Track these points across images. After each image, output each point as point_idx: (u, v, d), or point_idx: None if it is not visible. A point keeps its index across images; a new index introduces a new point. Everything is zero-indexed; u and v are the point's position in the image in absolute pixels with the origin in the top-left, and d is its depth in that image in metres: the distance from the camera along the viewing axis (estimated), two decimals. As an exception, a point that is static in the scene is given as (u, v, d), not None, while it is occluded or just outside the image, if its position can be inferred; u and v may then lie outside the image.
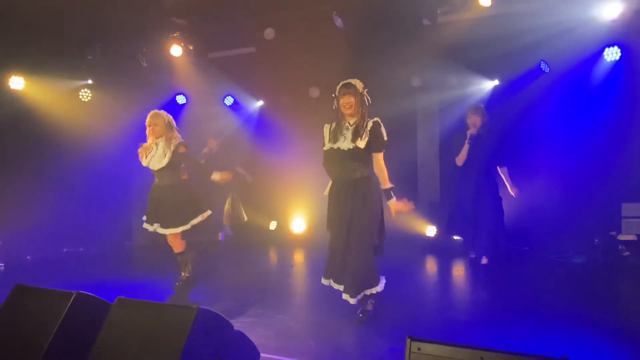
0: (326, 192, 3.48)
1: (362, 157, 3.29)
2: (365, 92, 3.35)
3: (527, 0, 5.12)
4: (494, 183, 4.75)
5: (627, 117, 5.34)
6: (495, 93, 6.26)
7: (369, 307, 3.34)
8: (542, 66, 5.63)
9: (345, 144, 3.27)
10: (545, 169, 5.76)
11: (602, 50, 5.46)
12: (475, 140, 4.58)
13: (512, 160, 5.86)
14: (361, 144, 3.24)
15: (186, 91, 7.57)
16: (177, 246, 4.13)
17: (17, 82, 6.42)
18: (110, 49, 6.60)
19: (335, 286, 3.31)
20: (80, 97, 7.12)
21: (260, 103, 7.73)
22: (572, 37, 5.18)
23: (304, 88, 6.82)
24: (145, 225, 4.05)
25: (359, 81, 3.36)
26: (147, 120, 3.97)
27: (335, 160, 3.32)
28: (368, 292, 3.29)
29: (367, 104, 3.35)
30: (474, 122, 4.60)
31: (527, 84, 5.83)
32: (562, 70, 5.57)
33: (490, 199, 4.66)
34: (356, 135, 3.25)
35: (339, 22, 5.53)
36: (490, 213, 4.63)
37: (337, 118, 3.35)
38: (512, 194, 4.84)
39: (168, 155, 3.90)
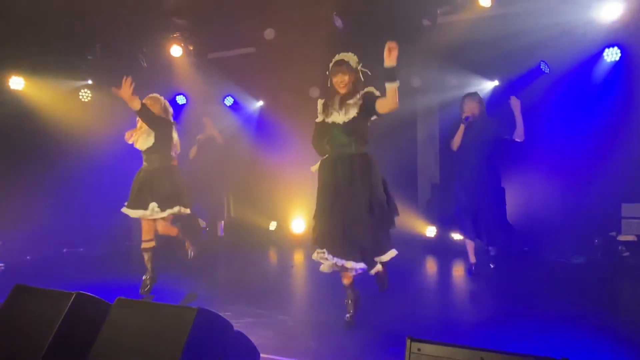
0: (315, 167, 3.29)
1: (358, 130, 3.15)
2: (359, 68, 3.24)
3: (527, 1, 5.13)
4: (496, 172, 4.57)
5: (627, 118, 5.34)
6: (495, 93, 6.26)
7: (351, 309, 3.27)
8: (542, 67, 5.63)
9: (339, 117, 3.16)
10: (545, 169, 5.76)
11: (602, 51, 5.46)
12: (472, 125, 4.41)
13: (511, 162, 5.87)
14: (354, 111, 3.12)
15: (186, 91, 7.57)
16: (172, 230, 4.12)
17: (17, 82, 6.42)
18: (110, 49, 6.60)
19: (350, 264, 3.06)
20: (80, 97, 7.11)
21: (261, 103, 7.73)
22: (572, 38, 5.19)
23: (304, 88, 6.82)
24: (127, 210, 3.90)
25: (352, 55, 3.25)
26: (144, 100, 3.95)
27: (329, 134, 3.19)
28: (378, 259, 3.20)
29: (362, 80, 3.24)
30: (471, 108, 4.46)
31: (527, 84, 5.83)
32: (562, 71, 5.57)
33: (492, 188, 4.50)
34: (350, 107, 3.15)
35: (339, 22, 5.53)
36: (492, 203, 4.48)
37: (332, 94, 3.25)
38: (518, 137, 4.52)
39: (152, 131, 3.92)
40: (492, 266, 4.70)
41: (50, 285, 2.22)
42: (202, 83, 7.02)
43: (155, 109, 3.98)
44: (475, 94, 4.67)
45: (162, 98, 4.10)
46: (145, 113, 3.82)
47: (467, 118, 4.43)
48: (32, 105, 6.53)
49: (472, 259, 4.64)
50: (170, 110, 4.14)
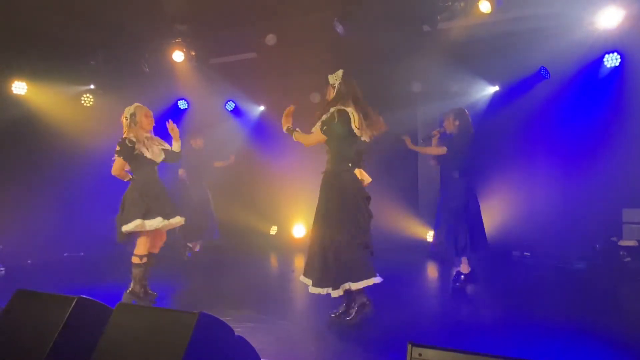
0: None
1: None
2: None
3: (527, 7, 5.15)
4: (472, 187, 4.61)
5: (627, 123, 5.35)
6: (496, 98, 6.28)
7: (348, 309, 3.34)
8: (542, 72, 5.66)
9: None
10: (546, 174, 5.77)
11: (602, 56, 5.49)
12: (452, 140, 4.51)
13: (513, 166, 5.87)
14: None
15: (188, 96, 7.60)
16: (160, 244, 4.08)
17: (19, 87, 6.46)
18: (113, 54, 6.63)
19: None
20: (83, 102, 7.15)
21: (262, 108, 7.76)
22: (572, 44, 5.21)
23: (305, 93, 6.85)
24: (150, 223, 3.81)
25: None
26: (148, 112, 3.98)
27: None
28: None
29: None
30: (447, 124, 4.57)
31: (527, 89, 5.85)
32: (562, 76, 5.59)
33: (470, 204, 4.53)
34: None
35: (339, 28, 5.56)
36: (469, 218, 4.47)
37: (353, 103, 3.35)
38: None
39: (165, 147, 4.05)
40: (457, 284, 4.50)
41: (52, 290, 2.22)
42: (203, 88, 7.05)
43: (149, 122, 4.00)
44: (450, 111, 4.64)
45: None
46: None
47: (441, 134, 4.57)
48: (35, 110, 6.55)
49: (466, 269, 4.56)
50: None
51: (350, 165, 3.36)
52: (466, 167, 4.51)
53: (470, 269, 4.49)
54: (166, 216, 3.90)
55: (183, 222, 4.09)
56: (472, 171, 4.57)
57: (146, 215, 3.81)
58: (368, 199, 3.40)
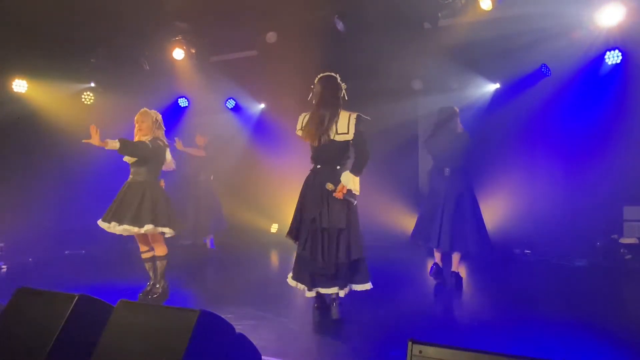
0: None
1: None
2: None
3: (527, 4, 5.14)
4: (468, 182, 4.48)
5: (628, 120, 5.34)
6: (497, 96, 6.27)
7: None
8: (543, 70, 5.65)
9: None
10: (547, 172, 5.77)
11: (604, 53, 5.47)
12: (442, 137, 4.50)
13: (514, 163, 5.86)
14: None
15: (188, 94, 7.60)
16: (159, 246, 3.97)
17: (20, 85, 6.46)
18: (113, 52, 6.63)
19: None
20: (83, 100, 7.15)
21: (262, 106, 7.76)
22: (573, 41, 5.20)
23: (305, 91, 6.83)
24: (127, 227, 3.70)
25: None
26: (135, 117, 3.94)
27: None
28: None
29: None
30: None
31: (528, 87, 5.84)
32: (563, 74, 5.58)
33: (466, 200, 4.40)
34: None
35: (340, 25, 5.55)
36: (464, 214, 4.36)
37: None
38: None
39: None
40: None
41: (53, 288, 2.23)
42: (204, 86, 7.05)
43: (147, 124, 3.90)
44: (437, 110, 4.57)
45: (153, 111, 3.98)
46: (126, 149, 3.77)
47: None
48: (35, 108, 6.56)
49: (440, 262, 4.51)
50: (162, 124, 4.03)
51: (318, 166, 3.43)
52: (442, 167, 4.39)
53: (443, 266, 4.41)
54: (125, 222, 3.73)
55: (159, 231, 3.85)
56: (446, 172, 4.37)
57: (112, 217, 3.80)
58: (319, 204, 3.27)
